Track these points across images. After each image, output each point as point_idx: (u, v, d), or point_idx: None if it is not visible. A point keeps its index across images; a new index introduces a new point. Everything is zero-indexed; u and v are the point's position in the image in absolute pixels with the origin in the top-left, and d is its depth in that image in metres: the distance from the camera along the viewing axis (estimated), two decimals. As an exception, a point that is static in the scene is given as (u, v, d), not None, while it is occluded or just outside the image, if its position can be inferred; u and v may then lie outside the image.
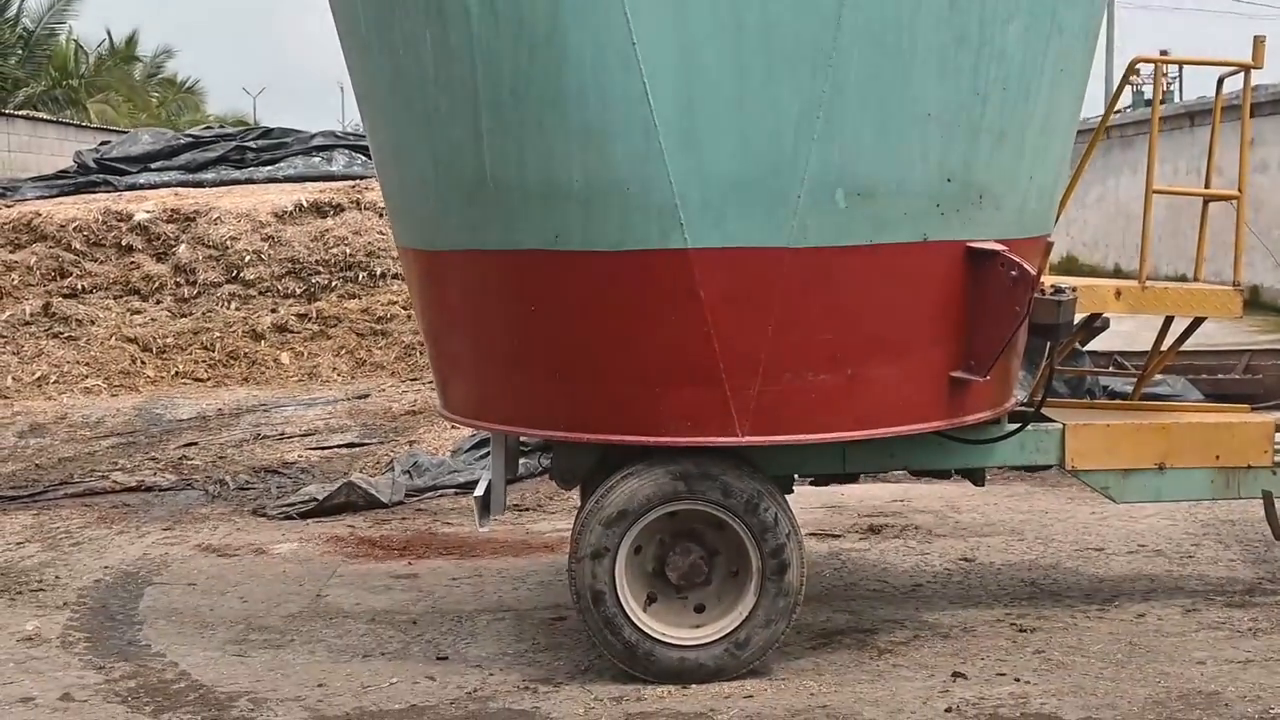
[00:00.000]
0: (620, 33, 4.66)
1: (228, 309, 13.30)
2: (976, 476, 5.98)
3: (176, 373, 12.46)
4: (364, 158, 15.30)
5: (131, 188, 15.48)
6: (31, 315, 13.12)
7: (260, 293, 13.47)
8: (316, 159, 16.46)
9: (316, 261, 13.63)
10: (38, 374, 12.30)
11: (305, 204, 14.18)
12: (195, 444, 9.82)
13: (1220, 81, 6.30)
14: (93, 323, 13.11)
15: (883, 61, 4.80)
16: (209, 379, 12.34)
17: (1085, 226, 23.50)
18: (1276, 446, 5.90)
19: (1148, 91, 20.19)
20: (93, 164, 16.59)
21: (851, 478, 5.83)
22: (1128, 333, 6.78)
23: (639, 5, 4.64)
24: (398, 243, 5.82)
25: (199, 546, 7.29)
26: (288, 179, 15.78)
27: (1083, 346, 6.99)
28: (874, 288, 4.97)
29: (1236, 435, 5.90)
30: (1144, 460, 5.78)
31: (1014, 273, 5.06)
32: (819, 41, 4.71)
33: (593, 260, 4.90)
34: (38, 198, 15.30)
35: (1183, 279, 6.35)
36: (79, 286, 13.45)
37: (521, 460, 6.01)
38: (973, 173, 5.03)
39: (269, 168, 16.25)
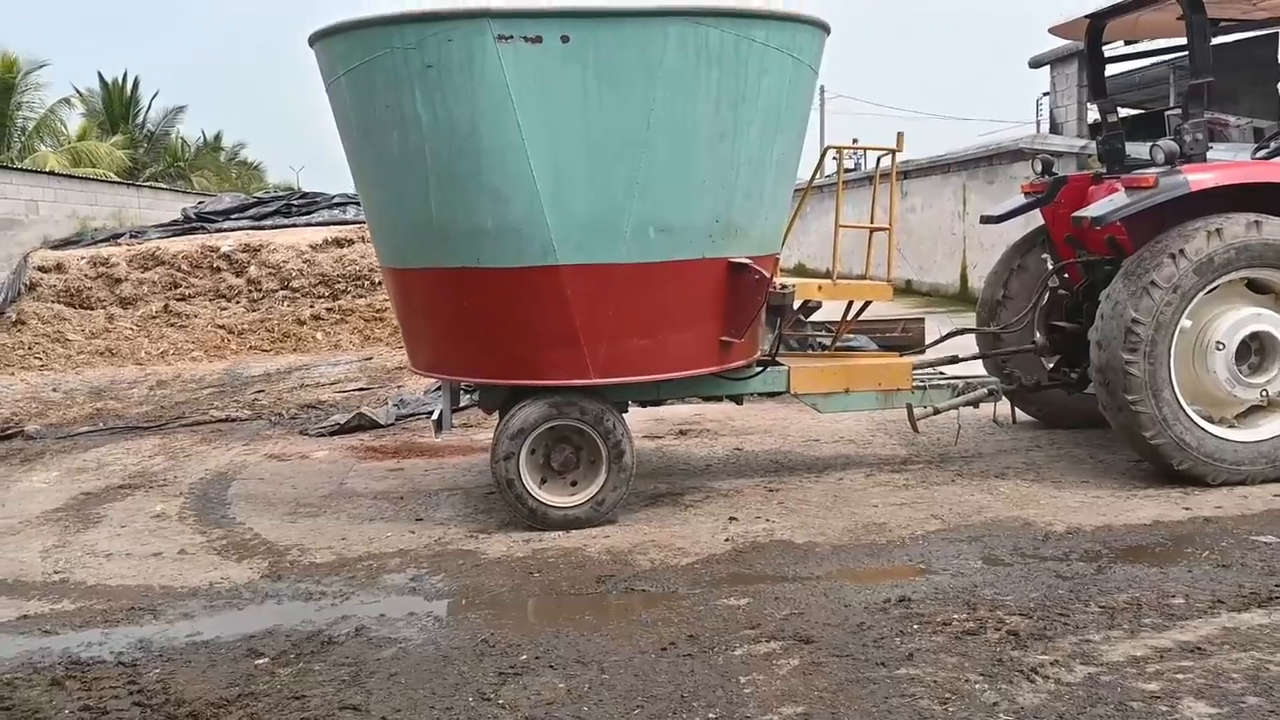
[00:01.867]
0: (515, 135, 4.62)
1: (282, 306, 13.03)
2: (738, 400, 6.01)
3: (250, 346, 12.18)
4: (366, 211, 15.12)
5: (219, 230, 15.11)
6: (155, 312, 12.79)
7: (303, 295, 13.22)
8: (337, 211, 16.18)
9: (338, 275, 13.42)
10: (161, 349, 11.97)
11: (330, 239, 13.93)
12: (262, 391, 9.61)
13: (879, 160, 6.41)
14: (196, 316, 12.79)
15: (676, 149, 4.79)
16: (271, 349, 12.09)
17: (810, 246, 23.77)
18: (914, 377, 6.05)
19: (847, 163, 20.71)
20: (194, 216, 16.17)
21: (663, 402, 5.86)
22: (834, 309, 6.85)
23: (526, 115, 4.60)
24: (380, 263, 5.73)
25: (266, 455, 7.13)
26: (320, 224, 15.48)
27: (806, 318, 7.05)
28: (673, 286, 4.97)
29: (891, 371, 5.99)
30: (837, 387, 5.86)
31: (757, 277, 5.10)
32: (636, 138, 4.69)
33: (501, 273, 4.85)
34: (159, 237, 14.89)
35: (861, 277, 6.45)
36: (186, 294, 13.12)
37: (466, 395, 5.97)
38: (731, 216, 5.04)
39: (306, 216, 15.94)
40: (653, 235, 4.83)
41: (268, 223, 15.49)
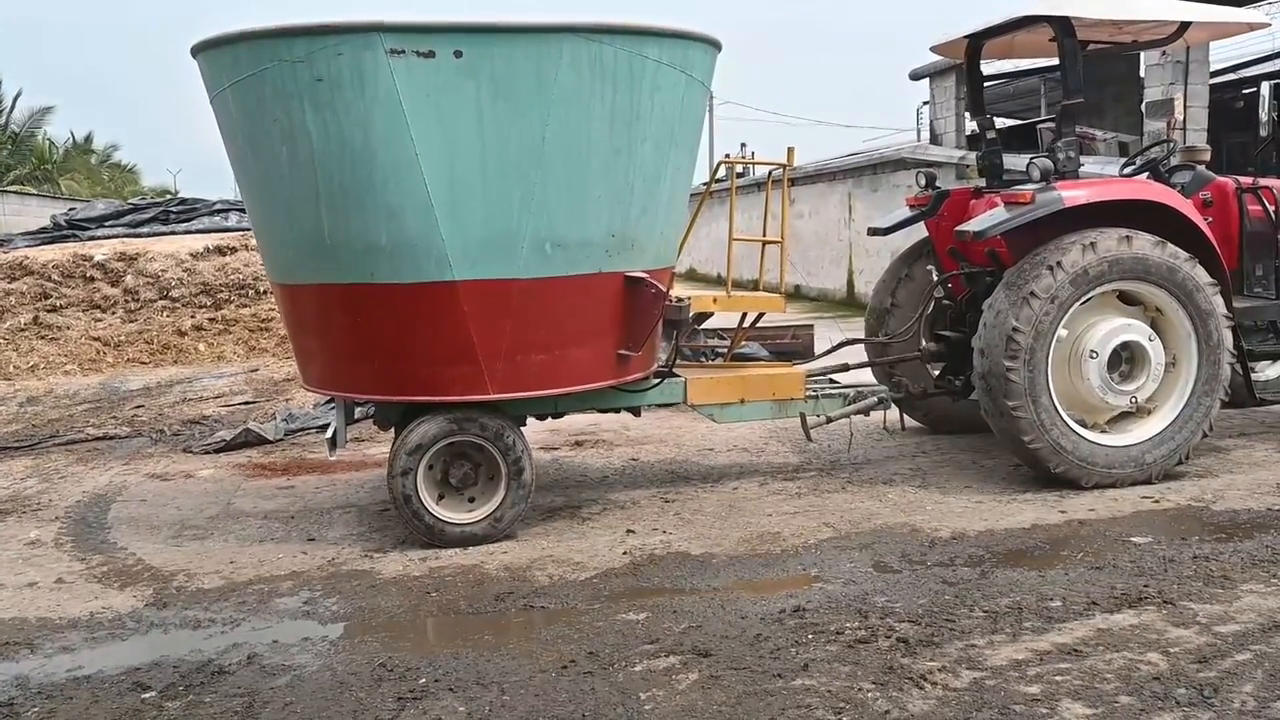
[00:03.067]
0: (408, 149, 4.57)
1: (161, 316, 12.55)
2: (636, 411, 6.03)
3: (128, 359, 11.71)
4: (250, 216, 14.65)
5: (92, 238, 14.43)
6: (24, 324, 12.18)
7: (183, 305, 12.76)
8: (218, 217, 15.62)
9: (221, 284, 12.99)
10: (31, 363, 11.42)
11: (211, 247, 13.48)
12: (142, 406, 9.26)
13: (770, 172, 6.54)
14: (68, 328, 12.24)
15: (571, 166, 4.80)
16: (150, 362, 11.64)
17: (701, 251, 24.02)
18: (806, 387, 6.17)
19: (736, 168, 20.85)
20: (64, 223, 15.44)
21: (561, 415, 5.84)
22: (728, 315, 6.93)
23: (420, 131, 4.56)
24: (270, 278, 5.59)
25: (147, 475, 6.88)
26: (200, 231, 14.94)
27: (698, 327, 7.13)
28: (570, 301, 4.97)
29: (784, 380, 6.09)
30: (732, 397, 5.92)
31: (653, 290, 5.15)
32: (531, 154, 4.69)
33: (396, 289, 4.79)
34: (26, 246, 14.18)
35: (754, 286, 6.55)
36: (57, 305, 12.54)
37: (358, 409, 5.87)
38: (627, 231, 5.07)
39: (186, 224, 15.36)
40: (549, 250, 4.82)
41: (144, 230, 14.89)
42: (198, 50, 4.96)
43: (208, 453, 7.46)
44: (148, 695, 3.61)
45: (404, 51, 4.46)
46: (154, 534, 5.55)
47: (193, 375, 10.86)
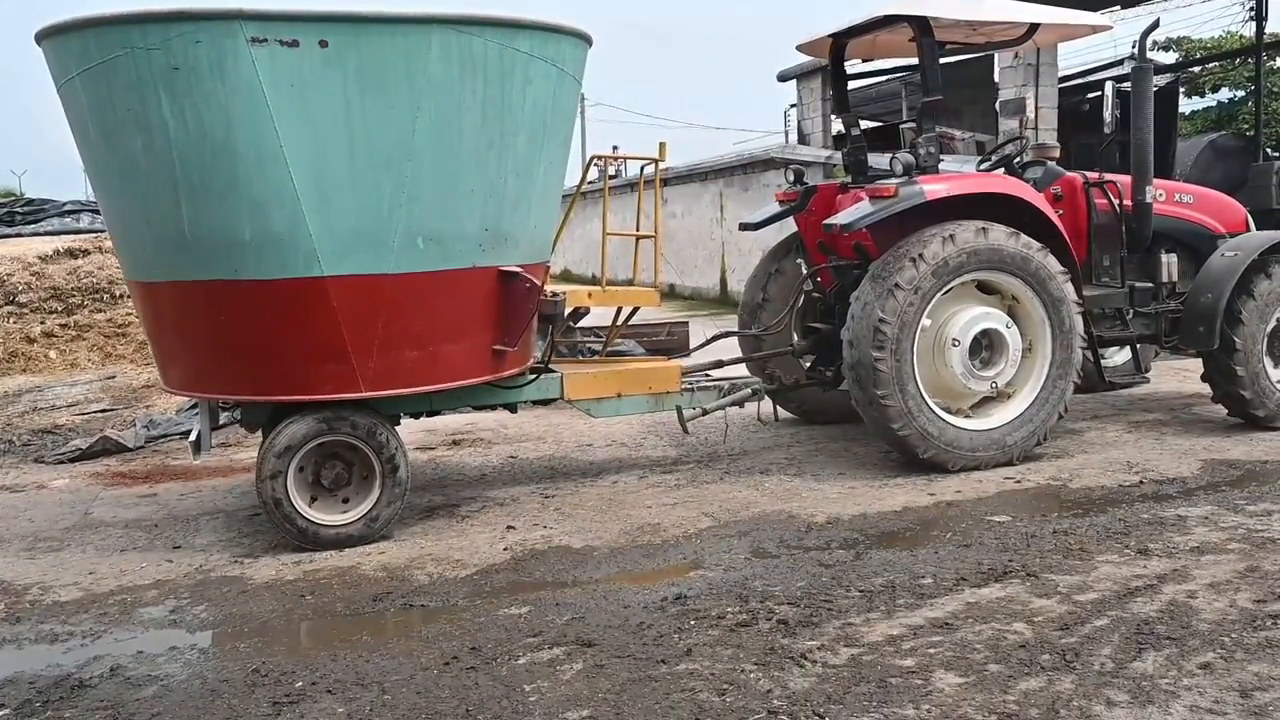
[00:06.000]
0: (273, 140, 4.43)
1: (7, 323, 11.90)
2: (513, 408, 5.99)
3: (-28, 368, 11.07)
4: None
5: (-71, 243, 13.63)
6: None
7: (31, 311, 12.10)
8: (69, 219, 14.90)
9: (73, 288, 12.36)
10: None
11: (62, 250, 12.82)
12: (-12, 417, 8.77)
13: (642, 169, 6.57)
14: (-97, 337, 11.50)
15: (443, 159, 4.73)
16: (-4, 372, 11.04)
17: (575, 251, 24.00)
18: (683, 381, 6.23)
19: (611, 170, 20.87)
20: (-104, 227, 14.52)
21: (437, 412, 5.75)
22: (603, 314, 6.93)
23: (284, 122, 4.43)
24: (126, 277, 5.35)
25: (-6, 488, 6.53)
26: (49, 233, 14.21)
27: (575, 324, 7.11)
28: (444, 297, 4.90)
29: (660, 375, 6.16)
30: (609, 392, 5.96)
31: (528, 285, 5.12)
32: (402, 146, 4.61)
33: (262, 286, 4.63)
34: None
35: (629, 283, 6.58)
36: (-110, 313, 11.78)
37: (225, 413, 5.67)
38: (501, 225, 5.03)
39: (33, 225, 14.60)
40: (421, 245, 4.75)
41: (-15, 233, 14.11)
42: (43, 36, 4.71)
43: (62, 462, 7.10)
44: (2, 714, 3.42)
45: (266, 40, 4.33)
46: (3, 547, 5.25)
47: (44, 384, 10.30)
